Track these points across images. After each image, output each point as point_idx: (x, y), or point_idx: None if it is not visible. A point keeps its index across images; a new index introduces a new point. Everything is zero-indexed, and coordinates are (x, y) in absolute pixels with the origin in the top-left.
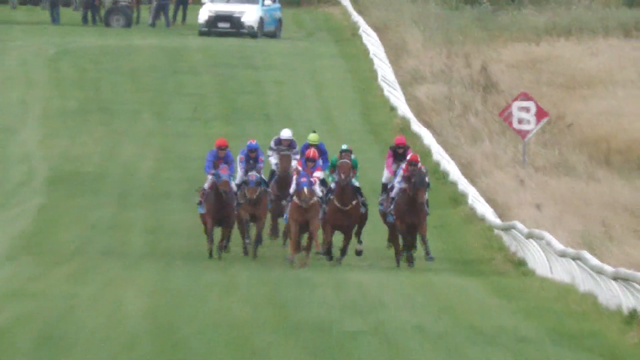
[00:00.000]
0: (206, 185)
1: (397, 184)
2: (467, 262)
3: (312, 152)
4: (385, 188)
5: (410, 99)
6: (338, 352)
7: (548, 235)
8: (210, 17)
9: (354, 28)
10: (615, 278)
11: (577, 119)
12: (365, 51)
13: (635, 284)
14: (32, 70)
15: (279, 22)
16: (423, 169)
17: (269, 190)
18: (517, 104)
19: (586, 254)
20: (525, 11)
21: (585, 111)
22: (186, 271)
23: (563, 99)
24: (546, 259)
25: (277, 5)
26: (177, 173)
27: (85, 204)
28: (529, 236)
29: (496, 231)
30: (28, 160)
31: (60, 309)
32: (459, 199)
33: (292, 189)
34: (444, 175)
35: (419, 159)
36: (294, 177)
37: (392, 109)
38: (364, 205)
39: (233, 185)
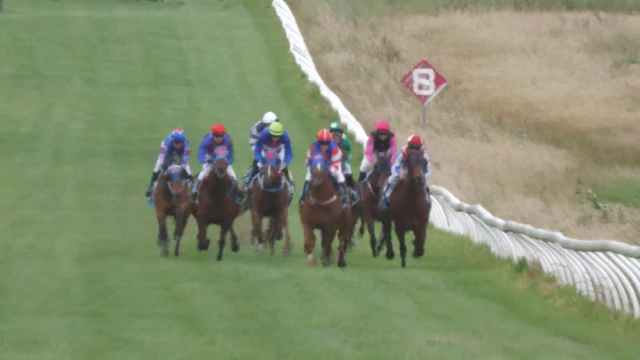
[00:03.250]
0: (201, 176)
1: (395, 169)
2: None
3: (325, 133)
4: (363, 177)
5: (320, 67)
6: (254, 297)
7: (445, 191)
8: None
9: (268, 0)
10: (506, 230)
11: (472, 85)
12: (279, 22)
13: (524, 235)
14: None
15: None
16: (426, 152)
17: (191, 183)
18: (417, 71)
19: (480, 208)
20: None
21: (479, 78)
22: (115, 224)
23: (459, 66)
24: (444, 213)
25: None
26: (105, 134)
27: (21, 162)
28: (429, 192)
29: None
30: None
31: None
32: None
33: (307, 177)
34: (351, 137)
35: (421, 141)
36: (308, 154)
37: (303, 75)
38: (345, 201)
39: (231, 170)
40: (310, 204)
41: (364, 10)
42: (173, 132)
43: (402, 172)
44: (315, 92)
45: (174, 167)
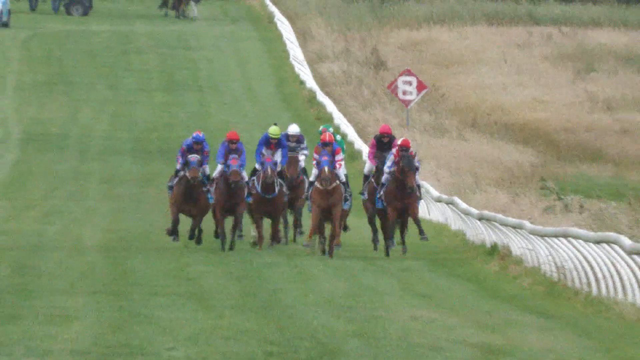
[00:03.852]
0: (216, 174)
1: (387, 168)
2: (359, 207)
3: (327, 135)
4: (367, 179)
5: (316, 75)
6: (257, 278)
7: (426, 184)
8: None
9: (270, 16)
10: (480, 218)
11: (450, 90)
12: (280, 35)
13: (495, 223)
14: (8, 51)
15: (8, 12)
16: (414, 154)
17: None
18: (401, 79)
19: (457, 199)
20: (408, 3)
21: (456, 84)
22: (135, 213)
23: (439, 74)
24: (425, 203)
25: None
26: (126, 134)
27: (51, 159)
28: (420, 188)
29: None
30: (5, 123)
31: (31, 243)
32: (355, 154)
33: (313, 176)
34: (343, 137)
35: (410, 144)
36: (315, 157)
37: (301, 82)
38: (346, 199)
39: (244, 174)
40: (318, 189)
41: (354, 25)
42: (194, 134)
43: (395, 169)
44: (311, 97)
45: (193, 156)
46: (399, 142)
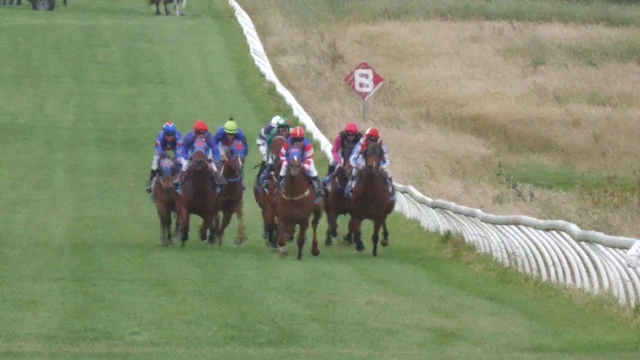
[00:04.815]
0: (184, 168)
1: (353, 160)
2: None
3: (298, 130)
4: (332, 170)
5: (275, 68)
6: (219, 264)
7: None
8: None
9: (231, 11)
10: (434, 207)
11: (405, 83)
12: (240, 29)
13: (449, 211)
14: None
15: None
16: (383, 144)
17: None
18: (358, 72)
19: (412, 188)
20: None
21: (411, 77)
22: (99, 202)
23: (394, 67)
24: None
25: None
26: (91, 124)
27: (18, 149)
28: (391, 182)
29: None
30: None
31: None
32: (313, 145)
33: (282, 172)
34: (302, 127)
35: (378, 134)
36: (283, 152)
37: (261, 75)
38: (319, 194)
39: (213, 165)
40: (284, 199)
41: (312, 19)
42: (165, 125)
43: (361, 164)
44: (271, 89)
45: (166, 162)
46: (367, 132)
